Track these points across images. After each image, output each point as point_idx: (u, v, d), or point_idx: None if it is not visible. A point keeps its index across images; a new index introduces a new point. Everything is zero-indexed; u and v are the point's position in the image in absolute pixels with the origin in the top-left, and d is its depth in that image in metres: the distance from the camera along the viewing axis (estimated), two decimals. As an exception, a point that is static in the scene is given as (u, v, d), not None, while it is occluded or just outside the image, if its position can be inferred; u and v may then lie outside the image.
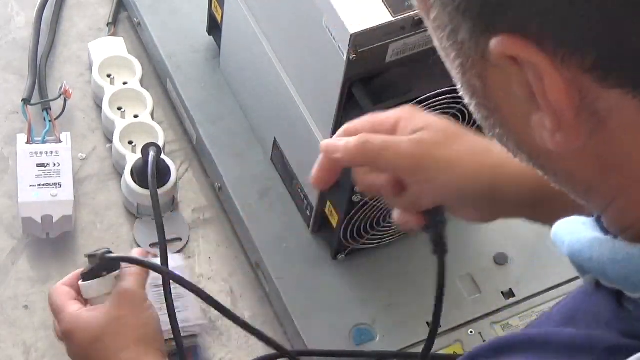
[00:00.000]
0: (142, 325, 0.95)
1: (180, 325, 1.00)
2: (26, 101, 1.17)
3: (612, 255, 0.58)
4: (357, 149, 0.83)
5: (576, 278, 1.05)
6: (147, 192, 1.11)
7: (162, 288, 1.00)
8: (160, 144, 1.15)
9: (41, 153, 1.13)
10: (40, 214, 1.09)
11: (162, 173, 1.12)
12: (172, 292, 1.00)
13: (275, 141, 1.12)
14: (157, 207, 1.06)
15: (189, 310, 1.05)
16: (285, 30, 1.02)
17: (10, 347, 1.07)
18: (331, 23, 0.91)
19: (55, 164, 1.13)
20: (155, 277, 1.00)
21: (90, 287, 0.96)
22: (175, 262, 1.06)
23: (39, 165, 1.12)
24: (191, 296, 1.03)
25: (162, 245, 1.03)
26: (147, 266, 0.97)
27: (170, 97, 1.23)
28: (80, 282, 0.96)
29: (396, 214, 0.86)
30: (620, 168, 0.56)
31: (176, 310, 1.00)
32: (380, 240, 1.09)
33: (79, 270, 0.97)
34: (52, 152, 1.13)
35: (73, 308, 0.95)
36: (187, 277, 0.99)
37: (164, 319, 0.98)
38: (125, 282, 0.95)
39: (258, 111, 1.15)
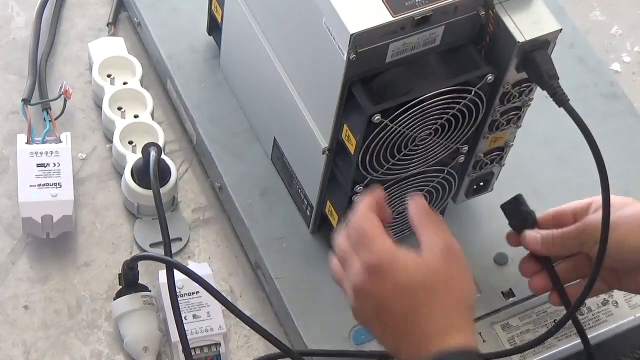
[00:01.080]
0: (470, 293, 0.84)
1: (204, 334, 1.06)
2: (26, 101, 1.17)
3: None
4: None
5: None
6: (147, 192, 1.11)
7: (190, 296, 1.06)
8: (160, 143, 1.15)
9: (41, 153, 1.13)
10: (40, 214, 1.09)
11: (162, 173, 1.12)
12: (196, 300, 1.07)
13: (275, 141, 1.12)
14: (160, 207, 1.07)
15: (212, 319, 1.07)
16: (285, 30, 1.02)
17: (10, 347, 1.07)
18: (331, 23, 0.91)
19: (55, 164, 1.13)
20: (180, 287, 1.06)
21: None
22: (204, 270, 1.10)
23: (39, 165, 1.12)
24: (216, 305, 1.07)
25: (167, 244, 1.05)
26: (182, 271, 1.02)
27: (170, 97, 1.23)
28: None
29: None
30: None
31: (200, 319, 1.07)
32: (380, 240, 1.09)
33: (379, 198, 0.87)
34: (52, 152, 1.13)
35: (389, 242, 0.83)
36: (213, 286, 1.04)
37: (189, 327, 1.04)
38: (449, 239, 0.84)
39: (258, 111, 1.15)
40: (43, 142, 1.15)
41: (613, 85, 1.27)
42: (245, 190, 1.14)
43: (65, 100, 1.17)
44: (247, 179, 1.15)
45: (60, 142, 1.15)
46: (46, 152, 1.13)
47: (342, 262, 0.86)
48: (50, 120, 1.16)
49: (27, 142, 1.14)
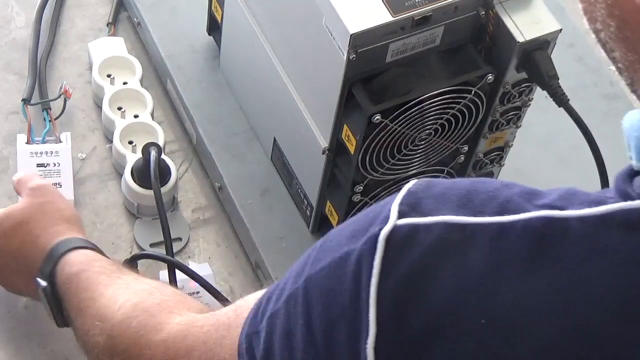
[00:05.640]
0: (67, 209, 1.03)
1: None
2: (26, 101, 1.17)
3: None
4: None
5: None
6: (147, 192, 1.11)
7: (191, 296, 1.05)
8: (160, 143, 1.15)
9: (41, 153, 1.13)
10: (41, 214, 1.10)
11: (162, 173, 1.12)
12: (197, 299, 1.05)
13: (275, 141, 1.12)
14: (161, 207, 1.07)
15: None
16: (285, 30, 1.02)
17: (10, 347, 1.07)
18: (331, 23, 0.91)
19: (55, 164, 1.13)
20: (180, 287, 1.04)
21: None
22: (204, 270, 1.09)
23: (39, 165, 1.12)
24: (217, 305, 1.06)
25: (168, 244, 1.05)
26: (183, 271, 1.03)
27: (170, 97, 1.23)
28: None
29: None
30: None
31: None
32: (380, 240, 1.09)
33: None
34: (52, 152, 1.14)
35: None
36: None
37: None
38: (35, 181, 1.05)
39: (258, 111, 1.15)
40: (43, 142, 1.15)
41: (613, 85, 1.27)
42: (245, 190, 1.14)
43: (65, 100, 1.17)
44: (247, 179, 1.15)
45: (61, 142, 1.15)
46: (46, 152, 1.14)
47: None
48: (50, 120, 1.16)
49: (27, 142, 1.14)
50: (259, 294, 0.75)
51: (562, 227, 0.60)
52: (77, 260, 0.95)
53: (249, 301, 0.77)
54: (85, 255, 0.96)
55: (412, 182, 0.67)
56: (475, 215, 0.62)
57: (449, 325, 0.61)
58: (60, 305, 0.95)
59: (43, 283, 0.96)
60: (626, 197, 0.61)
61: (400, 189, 0.66)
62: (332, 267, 0.66)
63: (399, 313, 0.62)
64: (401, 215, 0.64)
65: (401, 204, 0.64)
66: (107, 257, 0.98)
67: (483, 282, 0.60)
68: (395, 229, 0.63)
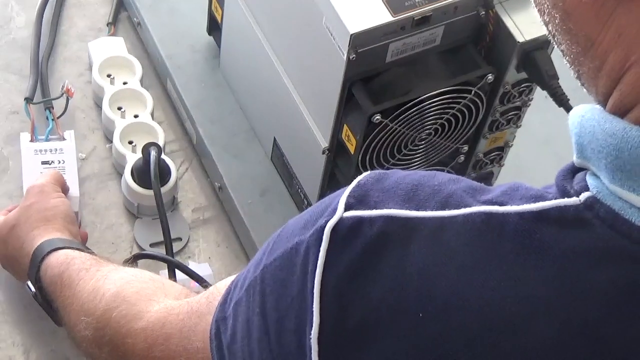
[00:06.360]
0: (49, 208, 1.04)
1: None
2: (29, 100, 1.17)
3: (600, 120, 0.60)
4: None
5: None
6: (147, 192, 1.11)
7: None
8: (160, 143, 1.15)
9: (45, 151, 1.13)
10: (45, 212, 1.10)
11: (163, 173, 1.12)
12: None
13: (275, 141, 1.12)
14: (161, 207, 1.07)
15: None
16: (285, 30, 1.02)
17: (11, 347, 1.07)
18: (331, 23, 0.91)
19: (60, 162, 1.13)
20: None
21: None
22: (204, 270, 1.09)
23: (43, 162, 1.13)
24: None
25: (168, 244, 1.06)
26: (184, 271, 1.04)
27: (170, 97, 1.23)
28: None
29: None
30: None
31: None
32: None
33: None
34: (56, 150, 1.14)
35: None
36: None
37: None
38: (30, 185, 1.07)
39: (258, 111, 1.15)
40: (47, 140, 1.15)
41: (613, 86, 1.27)
42: (245, 190, 1.14)
43: (67, 99, 1.17)
44: (247, 179, 1.15)
45: (64, 139, 1.15)
46: (50, 150, 1.14)
47: None
48: (53, 119, 1.16)
49: (31, 140, 1.14)
50: (229, 280, 0.76)
51: (500, 222, 0.60)
52: (58, 262, 0.97)
53: (220, 288, 0.78)
54: (65, 255, 0.97)
55: (364, 175, 0.67)
56: (417, 210, 0.63)
57: (388, 318, 0.61)
58: (51, 305, 0.97)
59: (32, 289, 0.99)
60: (564, 193, 0.61)
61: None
62: (284, 258, 0.67)
63: (341, 305, 0.63)
64: (347, 207, 0.64)
65: (349, 196, 0.65)
66: (86, 250, 1.00)
67: (421, 277, 0.61)
68: (340, 222, 0.64)
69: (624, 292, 0.57)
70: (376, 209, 0.64)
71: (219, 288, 0.78)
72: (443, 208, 0.62)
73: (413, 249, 0.62)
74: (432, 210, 0.62)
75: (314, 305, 0.63)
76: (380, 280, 0.62)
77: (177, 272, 1.05)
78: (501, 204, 0.61)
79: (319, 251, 0.64)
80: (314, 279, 0.64)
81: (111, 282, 0.90)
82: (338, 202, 0.65)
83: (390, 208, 0.63)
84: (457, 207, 0.62)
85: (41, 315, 1.03)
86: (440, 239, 0.61)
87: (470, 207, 0.62)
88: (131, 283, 0.89)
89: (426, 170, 1.02)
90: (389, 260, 0.62)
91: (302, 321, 0.64)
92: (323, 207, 0.66)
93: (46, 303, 0.98)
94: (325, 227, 0.64)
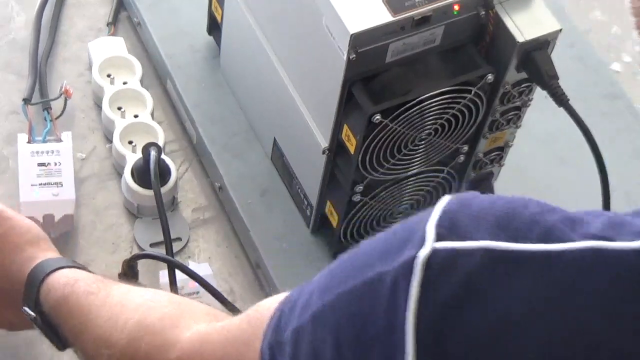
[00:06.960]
0: (26, 232, 0.98)
1: None
2: (27, 101, 1.17)
3: None
4: None
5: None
6: (147, 192, 1.11)
7: (190, 297, 1.04)
8: (160, 143, 1.15)
9: (42, 152, 1.13)
10: (42, 213, 1.10)
11: (162, 173, 1.12)
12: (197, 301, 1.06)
13: (275, 141, 1.12)
14: (161, 207, 1.07)
15: None
16: (285, 30, 1.02)
17: (11, 347, 1.07)
18: (331, 23, 0.91)
19: (56, 163, 1.13)
20: (180, 287, 1.05)
21: None
22: (204, 270, 1.09)
23: (40, 164, 1.12)
24: (216, 305, 1.06)
25: (168, 244, 1.06)
26: (184, 271, 1.02)
27: (170, 97, 1.23)
28: None
29: None
30: None
31: None
32: (380, 240, 1.09)
33: None
34: (53, 152, 1.13)
35: None
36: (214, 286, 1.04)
37: None
38: None
39: (258, 111, 1.15)
40: (44, 141, 1.15)
41: (613, 85, 1.27)
42: (245, 190, 1.14)
43: (65, 100, 1.17)
44: (247, 179, 1.15)
45: (61, 141, 1.15)
46: (47, 152, 1.13)
47: None
48: (51, 120, 1.16)
49: (28, 142, 1.14)
50: (271, 301, 0.72)
51: (615, 259, 0.57)
52: (60, 283, 0.91)
53: (261, 310, 0.74)
54: (66, 277, 0.92)
55: (446, 200, 0.63)
56: (516, 241, 0.59)
57: (491, 355, 0.58)
58: (55, 330, 0.92)
59: (32, 314, 0.93)
60: None
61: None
62: (365, 289, 0.63)
63: (438, 341, 0.60)
64: (439, 237, 0.61)
65: (438, 225, 0.61)
66: (83, 268, 0.95)
67: (529, 312, 0.58)
68: (433, 254, 0.60)
69: None
70: (469, 239, 0.60)
71: (261, 311, 0.74)
72: (545, 241, 0.59)
73: (518, 282, 0.59)
74: (533, 242, 0.59)
75: (407, 343, 0.60)
76: (482, 315, 0.59)
77: (177, 272, 1.05)
78: (609, 239, 0.58)
79: (409, 285, 0.60)
80: (406, 315, 0.60)
81: (130, 310, 0.85)
82: (425, 230, 0.62)
83: (484, 239, 0.60)
84: (561, 240, 0.59)
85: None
86: (548, 273, 0.58)
87: (573, 241, 0.59)
88: (152, 309, 0.84)
89: (426, 170, 1.02)
90: (492, 294, 0.59)
91: (390, 356, 0.61)
92: (405, 235, 0.63)
93: (48, 327, 0.92)
94: (415, 258, 0.61)
